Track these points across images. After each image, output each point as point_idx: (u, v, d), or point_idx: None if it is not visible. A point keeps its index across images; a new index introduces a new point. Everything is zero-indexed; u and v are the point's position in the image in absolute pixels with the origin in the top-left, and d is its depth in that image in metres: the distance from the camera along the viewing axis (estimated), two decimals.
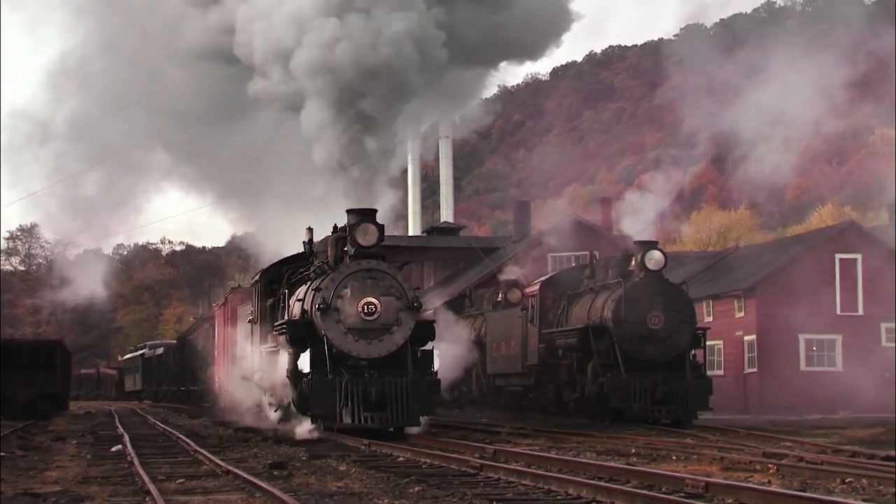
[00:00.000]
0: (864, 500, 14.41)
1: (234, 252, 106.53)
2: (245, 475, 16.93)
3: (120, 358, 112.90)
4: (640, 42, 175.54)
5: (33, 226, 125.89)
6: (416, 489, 15.53)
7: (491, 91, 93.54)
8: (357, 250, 26.64)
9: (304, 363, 26.17)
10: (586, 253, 46.71)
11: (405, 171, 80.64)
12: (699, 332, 33.90)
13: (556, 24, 34.28)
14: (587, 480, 15.63)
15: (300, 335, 26.73)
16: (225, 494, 15.54)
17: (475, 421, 35.57)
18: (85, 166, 45.04)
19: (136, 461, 20.07)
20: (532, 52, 36.22)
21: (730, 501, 13.97)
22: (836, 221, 64.49)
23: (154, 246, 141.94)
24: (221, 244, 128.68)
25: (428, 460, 20.01)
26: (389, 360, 26.39)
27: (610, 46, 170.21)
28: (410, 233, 78.49)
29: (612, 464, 18.58)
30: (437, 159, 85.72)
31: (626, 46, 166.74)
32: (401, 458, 20.76)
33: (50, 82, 44.11)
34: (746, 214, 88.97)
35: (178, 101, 36.79)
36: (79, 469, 20.04)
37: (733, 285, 49.14)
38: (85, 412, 53.10)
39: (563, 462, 18.89)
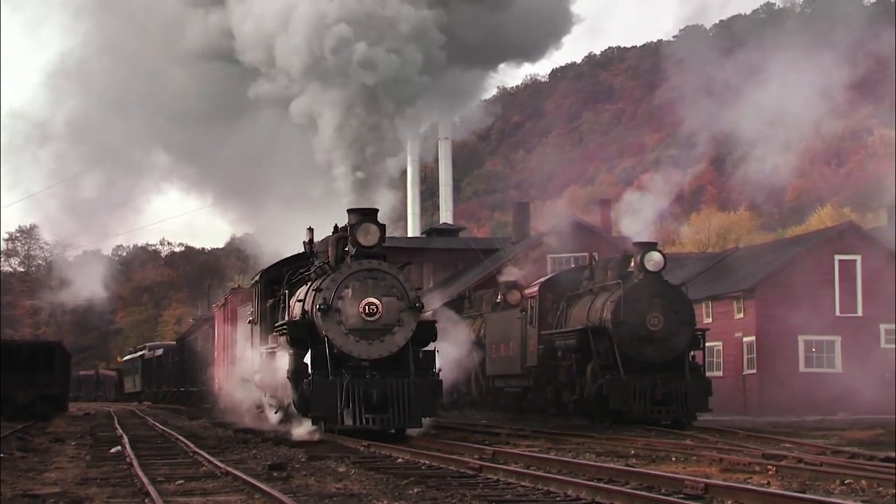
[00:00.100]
0: (863, 502, 14.43)
1: (234, 253, 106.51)
2: (244, 476, 16.92)
3: (119, 359, 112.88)
4: (639, 43, 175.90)
5: (32, 227, 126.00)
6: (416, 490, 15.53)
7: (490, 93, 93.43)
8: (358, 250, 26.50)
9: (306, 364, 26.01)
10: (585, 254, 46.72)
11: (404, 173, 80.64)
12: (698, 333, 33.89)
13: (556, 25, 34.28)
14: (586, 482, 15.63)
15: (301, 336, 26.59)
16: (224, 496, 15.54)
17: (474, 422, 35.57)
18: (84, 167, 45.04)
19: (135, 462, 20.06)
20: (532, 53, 36.23)
21: (729, 503, 13.98)
22: (835, 223, 64.51)
23: (153, 247, 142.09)
24: (221, 245, 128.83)
25: (427, 461, 20.01)
26: (391, 361, 26.25)
27: (609, 48, 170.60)
28: (410, 234, 78.50)
29: (612, 465, 18.58)
30: (436, 161, 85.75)
31: (625, 48, 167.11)
32: (400, 460, 20.76)
33: (49, 83, 44.11)
34: (746, 215, 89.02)
35: (177, 101, 36.77)
36: (78, 470, 20.03)
37: (732, 286, 49.14)
38: (84, 413, 53.08)
39: (562, 463, 18.88)
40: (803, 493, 14.89)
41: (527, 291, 41.08)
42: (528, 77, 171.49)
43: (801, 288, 46.08)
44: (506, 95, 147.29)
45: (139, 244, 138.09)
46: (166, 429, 34.54)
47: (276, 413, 30.49)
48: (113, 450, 24.69)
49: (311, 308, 26.57)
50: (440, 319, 30.12)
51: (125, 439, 27.38)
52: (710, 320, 47.20)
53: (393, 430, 26.11)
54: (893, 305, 44.39)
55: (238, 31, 29.50)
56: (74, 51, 39.80)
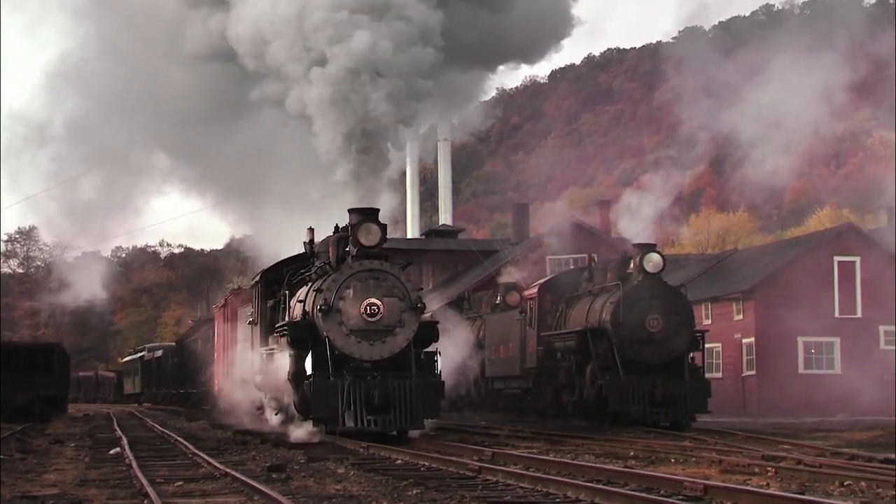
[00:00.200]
0: (862, 503, 14.42)
1: (233, 255, 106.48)
2: (243, 478, 16.92)
3: (119, 360, 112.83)
4: (638, 45, 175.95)
5: (32, 228, 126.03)
6: (415, 492, 15.53)
7: (490, 94, 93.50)
8: (359, 250, 26.32)
9: (307, 365, 25.88)
10: (585, 256, 46.74)
11: (403, 174, 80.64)
12: (698, 334, 33.88)
13: (556, 28, 34.26)
14: (586, 483, 15.62)
15: (301, 337, 26.40)
16: (223, 497, 15.53)
17: (473, 424, 35.57)
18: (84, 169, 45.01)
19: (134, 464, 20.05)
20: (531, 55, 36.23)
21: None
22: (834, 224, 64.52)
23: (152, 249, 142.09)
24: (220, 247, 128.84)
25: (426, 463, 20.00)
26: (392, 362, 26.10)
27: (608, 49, 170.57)
28: (409, 235, 78.50)
29: (611, 466, 18.58)
30: (435, 162, 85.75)
31: (624, 49, 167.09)
32: (399, 461, 20.75)
33: (49, 84, 44.10)
34: (745, 217, 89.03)
35: (177, 102, 36.74)
36: (77, 472, 20.03)
37: (732, 288, 49.16)
38: (83, 415, 53.06)
39: (561, 465, 18.87)
40: (802, 494, 14.90)
41: (526, 293, 41.06)
42: (528, 78, 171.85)
43: (801, 289, 46.10)
44: (505, 97, 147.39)
45: (138, 246, 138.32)
46: (165, 430, 34.53)
47: (276, 414, 30.35)
48: (112, 451, 24.68)
49: (312, 309, 26.40)
50: (440, 320, 29.98)
51: (124, 441, 27.36)
52: (709, 322, 47.20)
53: (394, 432, 25.95)
54: (892, 307, 44.42)
55: (242, 32, 29.46)
56: (74, 52, 39.82)
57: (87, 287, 73.51)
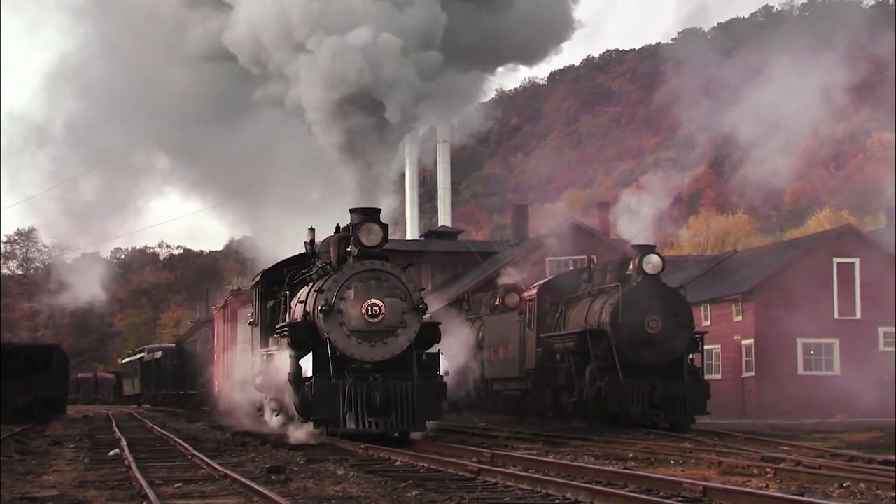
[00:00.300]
0: None
1: (232, 256, 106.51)
2: (243, 479, 16.92)
3: (119, 361, 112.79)
4: (637, 46, 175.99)
5: (31, 230, 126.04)
6: (414, 493, 15.52)
7: (489, 96, 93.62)
8: (361, 250, 26.09)
9: (308, 367, 25.78)
10: (584, 257, 46.78)
11: (403, 175, 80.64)
12: (697, 336, 33.88)
13: (557, 30, 34.21)
14: (585, 484, 15.62)
15: (302, 338, 26.21)
16: (222, 498, 15.53)
17: (473, 425, 35.56)
18: (83, 170, 45.00)
19: (133, 465, 20.05)
20: (531, 57, 36.20)
21: None
22: (833, 226, 64.54)
23: (152, 250, 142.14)
24: (219, 248, 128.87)
25: (426, 464, 19.99)
26: (394, 363, 25.89)
27: (608, 50, 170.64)
28: (408, 237, 78.47)
29: (610, 468, 18.58)
30: (434, 163, 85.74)
31: (623, 50, 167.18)
32: (398, 463, 20.75)
33: (48, 85, 44.08)
34: (744, 218, 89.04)
35: (177, 102, 36.69)
36: (76, 473, 20.03)
37: (731, 289, 49.15)
38: (82, 416, 53.07)
39: (560, 466, 18.87)
40: (802, 495, 14.91)
41: (525, 294, 41.07)
42: (527, 80, 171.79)
43: (800, 291, 46.11)
44: (504, 98, 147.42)
45: (138, 247, 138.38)
46: (165, 432, 34.53)
47: (276, 416, 30.24)
48: (111, 453, 24.68)
49: (313, 309, 26.22)
50: (441, 321, 29.93)
51: (123, 442, 27.37)
52: (708, 323, 47.22)
53: (396, 434, 25.75)
54: (892, 308, 44.42)
55: (240, 36, 29.43)
56: (73, 52, 39.79)
57: (87, 288, 73.55)
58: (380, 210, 26.62)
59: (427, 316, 27.29)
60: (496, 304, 44.83)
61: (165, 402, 76.76)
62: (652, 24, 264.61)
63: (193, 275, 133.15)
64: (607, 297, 34.34)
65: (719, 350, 48.01)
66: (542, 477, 16.82)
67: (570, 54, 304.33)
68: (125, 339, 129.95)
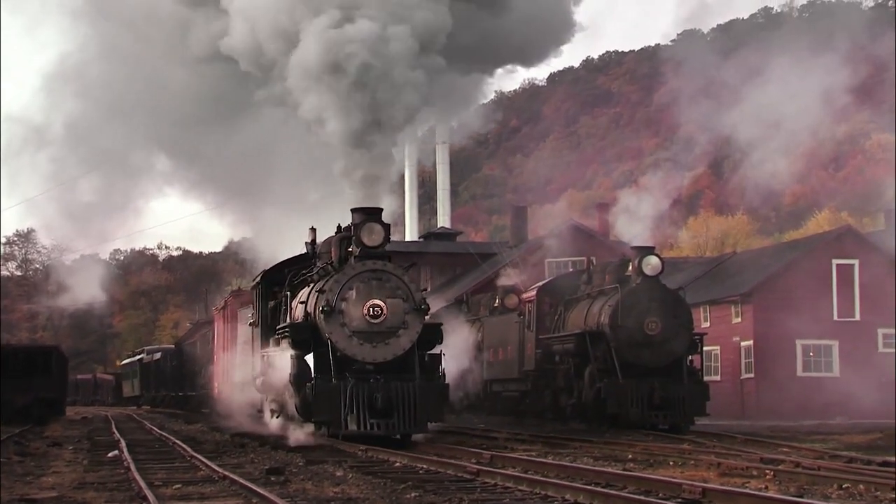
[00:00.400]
0: None
1: (231, 257, 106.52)
2: (242, 481, 16.90)
3: (118, 363, 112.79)
4: (636, 47, 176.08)
5: (30, 231, 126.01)
6: (413, 495, 15.52)
7: (489, 97, 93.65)
8: (362, 250, 25.84)
9: (309, 368, 25.62)
10: (583, 258, 46.69)
11: (402, 177, 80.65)
12: (696, 337, 33.87)
13: (558, 32, 34.20)
14: (584, 486, 15.61)
15: (303, 338, 26.02)
16: (221, 500, 15.53)
17: (472, 427, 35.55)
18: (83, 170, 45.00)
19: (132, 467, 20.03)
20: (531, 58, 36.21)
21: None
22: (832, 227, 64.55)
23: (151, 251, 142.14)
24: (218, 249, 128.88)
25: (425, 466, 19.98)
26: (396, 364, 25.69)
27: (607, 52, 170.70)
28: (407, 238, 78.48)
29: (609, 469, 18.57)
30: (434, 165, 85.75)
31: (622, 52, 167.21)
32: (398, 464, 20.74)
33: (47, 86, 44.08)
34: (743, 220, 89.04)
35: (177, 103, 36.68)
36: (75, 475, 20.02)
37: (730, 291, 49.15)
38: (81, 417, 53.05)
39: (559, 467, 18.86)
40: (801, 497, 14.91)
41: (524, 296, 41.06)
42: (526, 81, 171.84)
43: (799, 292, 46.12)
44: (504, 99, 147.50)
45: (137, 248, 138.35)
46: (164, 433, 34.50)
47: (276, 417, 30.16)
48: (110, 454, 24.66)
49: (314, 310, 26.06)
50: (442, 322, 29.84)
51: (122, 443, 27.35)
52: (707, 324, 47.24)
53: (398, 436, 25.56)
54: (891, 310, 44.43)
55: (240, 42, 29.41)
56: (73, 53, 39.80)
57: (86, 290, 73.55)
58: (381, 210, 26.37)
59: (426, 317, 27.16)
60: (495, 305, 44.81)
61: (165, 403, 76.71)
62: (651, 25, 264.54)
63: (192, 276, 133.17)
64: (606, 299, 34.34)
65: (718, 351, 48.01)
66: (542, 478, 16.82)
67: (569, 56, 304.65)
68: (124, 340, 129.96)
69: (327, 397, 24.96)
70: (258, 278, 33.30)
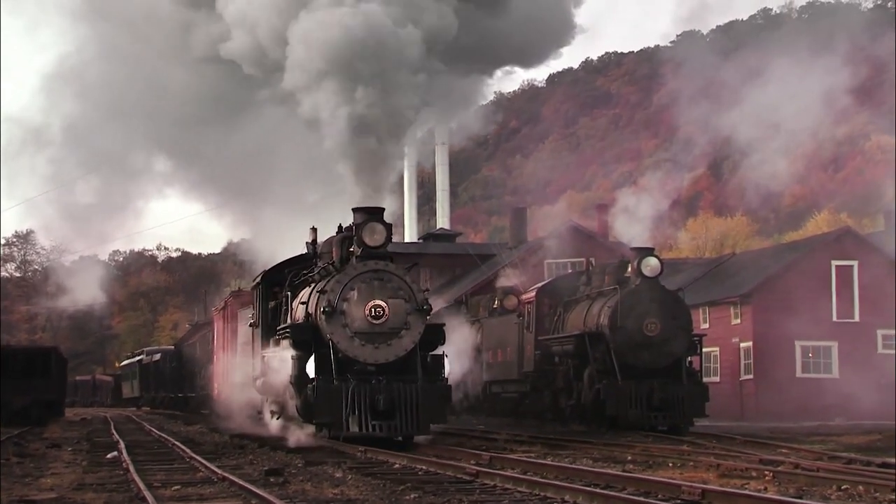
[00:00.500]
0: None
1: (230, 259, 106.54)
2: (241, 482, 16.88)
3: (117, 364, 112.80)
4: (636, 48, 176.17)
5: (29, 232, 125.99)
6: (412, 496, 15.51)
7: (488, 99, 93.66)
8: (364, 251, 25.62)
9: (310, 369, 25.48)
10: (583, 259, 46.74)
11: (401, 178, 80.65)
12: (695, 338, 33.85)
13: (558, 34, 34.19)
14: (583, 487, 15.60)
15: (304, 339, 25.84)
16: (221, 501, 15.51)
17: (471, 428, 35.54)
18: (82, 172, 45.01)
19: (131, 468, 20.00)
20: (530, 60, 36.21)
21: None
22: (832, 228, 64.55)
23: (150, 252, 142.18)
24: (217, 251, 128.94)
25: (424, 467, 19.95)
26: (398, 365, 25.50)
27: (606, 53, 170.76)
28: (406, 239, 78.48)
29: (609, 470, 18.55)
30: (433, 166, 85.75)
31: (622, 53, 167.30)
32: (397, 465, 20.71)
33: (46, 87, 44.10)
34: (743, 221, 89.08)
35: (176, 103, 36.67)
36: (74, 476, 19.99)
37: (730, 292, 49.14)
38: (80, 419, 53.05)
39: (559, 469, 18.84)
40: (800, 498, 14.90)
41: (524, 297, 41.05)
42: (525, 82, 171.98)
43: (799, 293, 46.11)
44: (503, 100, 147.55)
45: (136, 249, 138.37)
46: (163, 434, 34.48)
47: (277, 419, 30.07)
48: (109, 455, 24.64)
49: (315, 311, 25.90)
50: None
51: (122, 444, 27.32)
52: (707, 326, 47.22)
53: (400, 438, 25.39)
54: (891, 311, 44.42)
55: (241, 46, 29.38)
56: (72, 54, 39.80)
57: (85, 291, 73.57)
58: (383, 209, 26.16)
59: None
60: (494, 306, 44.81)
61: (164, 404, 76.71)
62: (650, 26, 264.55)
63: (191, 277, 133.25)
64: (606, 300, 34.33)
65: (718, 352, 48.00)
66: (541, 479, 16.81)
67: (568, 57, 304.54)
68: (123, 341, 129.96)
69: (328, 398, 24.79)
70: (258, 278, 33.09)
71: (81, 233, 59.05)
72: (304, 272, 29.07)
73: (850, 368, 45.01)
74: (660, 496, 14.96)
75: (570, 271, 46.38)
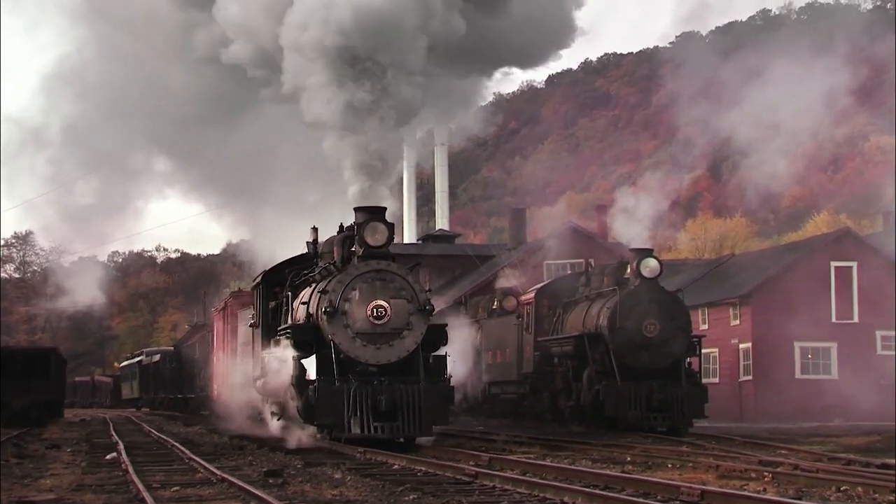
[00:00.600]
0: None
1: (229, 259, 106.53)
2: (240, 483, 16.88)
3: (116, 365, 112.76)
4: (635, 49, 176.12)
5: (28, 233, 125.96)
6: (412, 497, 15.51)
7: (488, 100, 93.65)
8: (366, 250, 25.45)
9: (312, 369, 25.41)
10: (582, 260, 46.73)
11: (400, 179, 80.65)
12: (695, 339, 33.86)
13: (558, 36, 34.15)
14: (582, 488, 15.61)
15: (305, 340, 25.70)
16: (220, 502, 15.52)
17: (471, 429, 35.54)
18: (81, 173, 45.01)
19: (130, 469, 20.00)
20: (530, 61, 36.18)
21: None
22: (831, 229, 64.54)
23: (149, 253, 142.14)
24: (216, 252, 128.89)
25: (423, 468, 19.95)
26: (400, 366, 25.36)
27: (605, 54, 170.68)
28: (406, 240, 78.46)
29: (608, 471, 18.55)
30: (432, 167, 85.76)
31: (621, 54, 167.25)
32: (396, 466, 20.70)
33: (46, 87, 44.10)
34: (742, 222, 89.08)
35: (176, 104, 36.65)
36: (73, 477, 19.99)
37: (729, 293, 49.14)
38: (80, 420, 53.04)
39: (558, 470, 18.85)
40: (800, 499, 14.91)
41: (523, 298, 41.05)
42: (525, 83, 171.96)
43: (798, 294, 46.09)
44: (502, 102, 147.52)
45: (135, 250, 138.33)
46: (162, 435, 34.48)
47: (277, 420, 29.97)
48: (108, 456, 24.63)
49: (317, 311, 25.75)
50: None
51: (121, 446, 27.31)
52: (706, 327, 47.21)
53: (402, 439, 25.25)
54: (890, 312, 44.41)
55: (242, 49, 29.36)
56: (71, 55, 39.80)
57: (84, 292, 73.56)
58: (385, 209, 25.98)
59: None
60: (494, 307, 44.81)
61: (163, 405, 76.68)
62: (650, 27, 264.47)
63: (191, 278, 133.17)
64: (605, 301, 34.33)
65: (717, 353, 48.01)
66: (540, 481, 16.81)
67: (567, 58, 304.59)
68: (122, 342, 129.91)
69: (330, 400, 24.64)
70: (259, 278, 32.91)
71: (81, 234, 59.13)
72: (305, 272, 28.90)
73: (850, 369, 45.03)
74: (659, 497, 14.96)
75: (569, 272, 46.39)
